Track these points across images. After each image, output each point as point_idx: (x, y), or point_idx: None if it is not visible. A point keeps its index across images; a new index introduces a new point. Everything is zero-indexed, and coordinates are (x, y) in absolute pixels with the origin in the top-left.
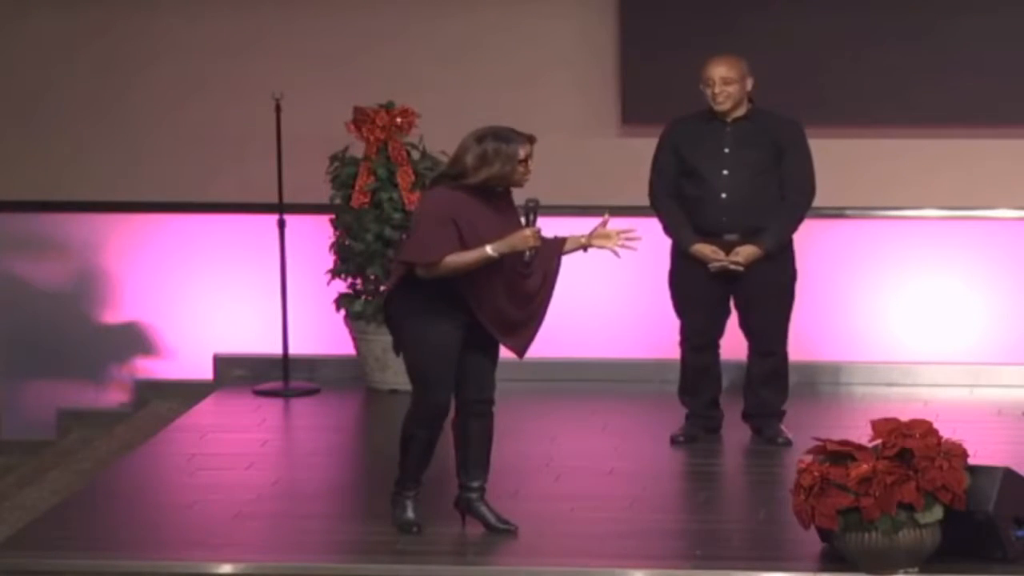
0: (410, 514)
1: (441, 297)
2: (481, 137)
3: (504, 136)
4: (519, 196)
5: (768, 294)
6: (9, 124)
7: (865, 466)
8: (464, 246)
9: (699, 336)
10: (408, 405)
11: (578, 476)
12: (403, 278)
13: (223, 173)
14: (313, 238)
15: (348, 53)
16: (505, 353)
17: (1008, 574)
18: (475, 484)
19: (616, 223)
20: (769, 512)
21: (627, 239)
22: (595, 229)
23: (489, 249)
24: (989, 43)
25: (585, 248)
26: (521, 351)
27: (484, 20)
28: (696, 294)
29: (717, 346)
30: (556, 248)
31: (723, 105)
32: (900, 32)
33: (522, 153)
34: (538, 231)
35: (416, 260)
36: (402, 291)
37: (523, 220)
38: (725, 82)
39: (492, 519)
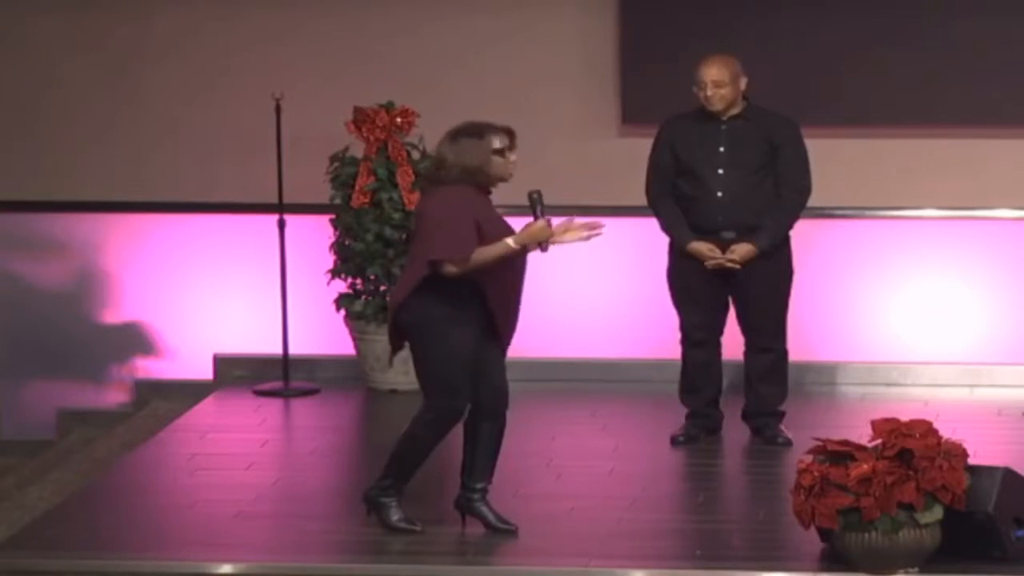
0: (403, 513)
1: (459, 300)
2: (455, 134)
3: (476, 130)
4: (512, 191)
5: (765, 291)
6: (10, 124)
7: (865, 466)
8: (483, 241)
9: (698, 331)
10: (418, 409)
11: (578, 476)
12: (421, 283)
13: (223, 173)
14: (313, 238)
15: (348, 53)
16: (507, 352)
17: (1008, 574)
18: (478, 486)
19: (616, 223)
20: (769, 512)
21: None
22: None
23: (511, 242)
24: (989, 45)
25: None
26: (508, 343)
27: (484, 21)
28: (694, 289)
29: (718, 343)
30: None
31: (716, 107)
32: (900, 33)
33: (496, 143)
34: (549, 220)
35: (448, 256)
36: (419, 297)
37: (532, 212)
38: (717, 84)
39: (492, 519)
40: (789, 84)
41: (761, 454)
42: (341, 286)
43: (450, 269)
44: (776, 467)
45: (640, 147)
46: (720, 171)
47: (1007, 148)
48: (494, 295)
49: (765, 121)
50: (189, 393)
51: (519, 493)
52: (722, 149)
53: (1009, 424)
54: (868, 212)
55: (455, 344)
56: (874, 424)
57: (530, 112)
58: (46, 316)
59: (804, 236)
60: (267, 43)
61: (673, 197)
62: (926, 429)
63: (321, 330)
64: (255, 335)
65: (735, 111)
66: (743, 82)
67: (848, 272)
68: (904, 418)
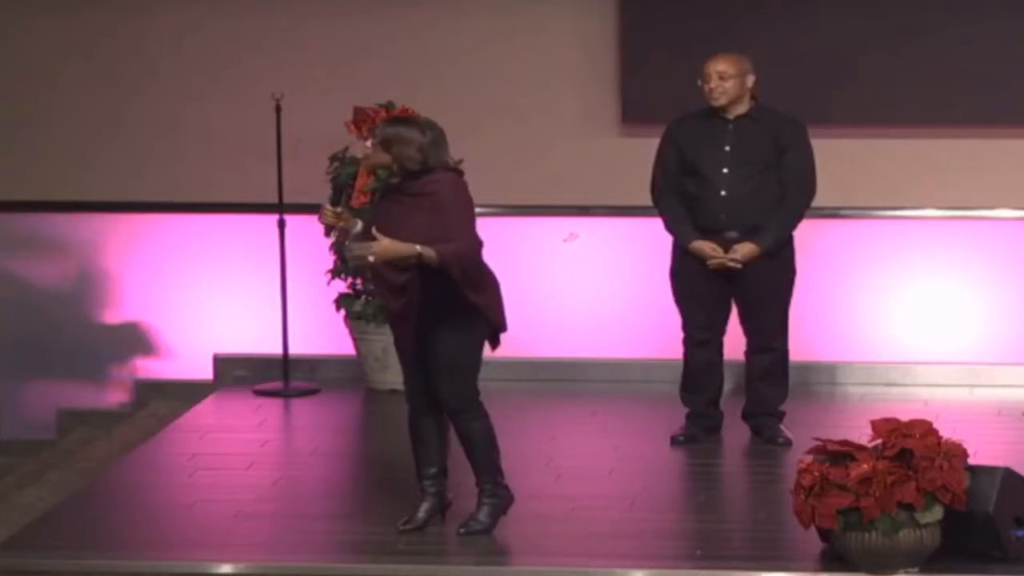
0: (419, 512)
1: None
2: None
3: None
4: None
5: (767, 290)
6: (10, 124)
7: (865, 466)
8: None
9: (700, 331)
10: None
11: (578, 476)
12: None
13: (223, 173)
14: (313, 238)
15: (348, 53)
16: (507, 352)
17: (1008, 574)
18: (478, 481)
19: (616, 223)
20: (769, 512)
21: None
22: None
23: None
24: (990, 44)
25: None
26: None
27: (484, 20)
28: (697, 289)
29: (720, 343)
30: (412, 254)
31: (718, 100)
32: (900, 32)
33: None
34: (325, 207)
35: None
36: None
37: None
38: (721, 77)
39: (475, 517)
40: (789, 84)
41: (761, 454)
42: (341, 286)
43: None
44: (776, 467)
45: (640, 146)
46: (725, 170)
47: (1007, 148)
48: None
49: (771, 121)
50: (189, 393)
51: (519, 493)
52: (727, 148)
53: (1009, 424)
54: (868, 212)
55: (394, 337)
56: (874, 424)
57: (530, 111)
58: (46, 316)
59: (805, 236)
60: (267, 43)
61: (678, 196)
62: (926, 429)
63: (321, 330)
64: (255, 335)
65: (742, 110)
66: (750, 80)
67: (848, 272)
68: (904, 418)
